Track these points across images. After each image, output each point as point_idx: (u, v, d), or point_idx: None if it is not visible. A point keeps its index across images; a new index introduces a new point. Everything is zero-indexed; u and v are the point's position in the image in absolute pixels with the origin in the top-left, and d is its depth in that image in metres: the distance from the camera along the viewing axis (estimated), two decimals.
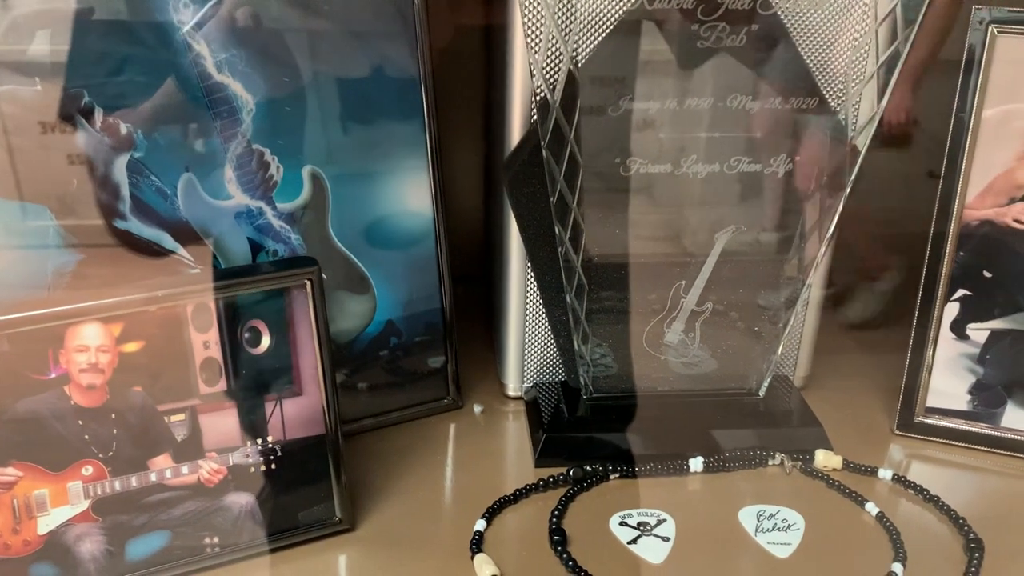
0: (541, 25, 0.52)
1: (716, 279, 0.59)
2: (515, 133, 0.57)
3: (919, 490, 0.58)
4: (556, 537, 0.52)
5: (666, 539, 0.53)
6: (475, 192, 0.80)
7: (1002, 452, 0.62)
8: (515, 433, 0.64)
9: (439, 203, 0.61)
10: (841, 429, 0.64)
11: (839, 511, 0.56)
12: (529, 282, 0.62)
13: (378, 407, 0.63)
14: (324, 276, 0.58)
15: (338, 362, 0.61)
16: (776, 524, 0.55)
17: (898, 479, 0.59)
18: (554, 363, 0.65)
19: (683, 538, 0.54)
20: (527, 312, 0.63)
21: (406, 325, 0.63)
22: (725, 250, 0.58)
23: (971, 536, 0.53)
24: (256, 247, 0.57)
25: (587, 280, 0.58)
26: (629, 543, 0.53)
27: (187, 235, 0.55)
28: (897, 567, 0.51)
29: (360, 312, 0.61)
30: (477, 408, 0.66)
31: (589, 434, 0.60)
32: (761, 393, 0.63)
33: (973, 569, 0.51)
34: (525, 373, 0.66)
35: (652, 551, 0.52)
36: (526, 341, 0.65)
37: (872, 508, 0.56)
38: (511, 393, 0.67)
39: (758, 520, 0.55)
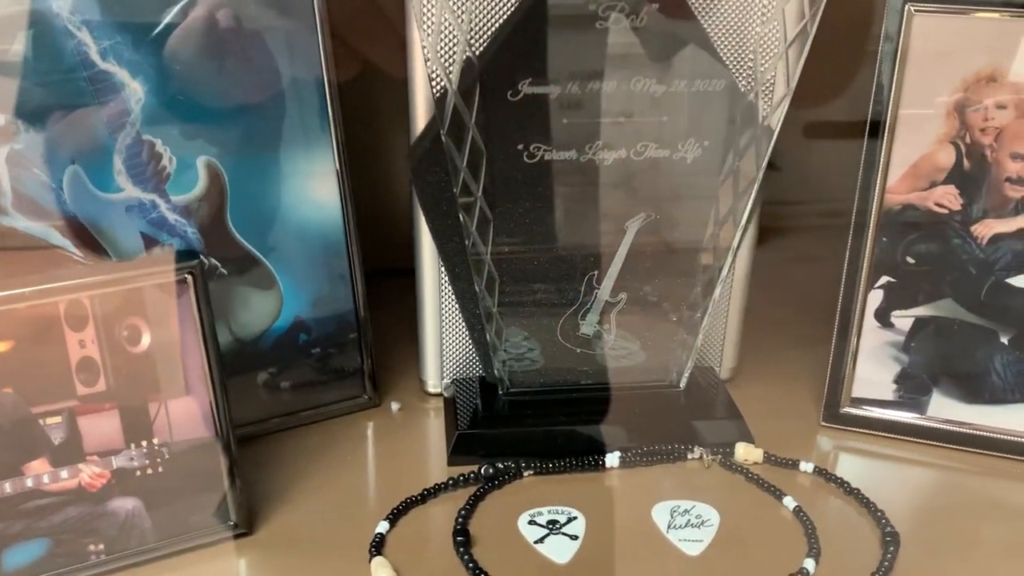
0: (433, 8, 0.50)
1: (630, 269, 0.57)
2: (420, 119, 0.56)
3: (840, 483, 0.56)
4: (459, 538, 0.51)
5: (574, 537, 0.52)
6: (406, 181, 0.78)
7: (928, 442, 0.60)
8: (433, 431, 0.62)
9: (346, 194, 0.59)
10: (768, 421, 0.62)
11: (756, 506, 0.55)
12: (443, 274, 0.60)
13: (288, 406, 0.61)
14: (224, 271, 0.57)
15: (243, 360, 0.59)
16: (690, 520, 0.53)
17: (819, 472, 0.57)
18: (474, 358, 0.63)
19: (592, 536, 0.52)
20: (443, 305, 0.61)
21: (316, 322, 0.61)
22: (638, 239, 0.56)
23: (888, 529, 0.52)
24: (151, 241, 0.55)
25: (497, 272, 0.56)
26: (536, 542, 0.51)
27: (76, 230, 0.53)
28: (809, 563, 0.49)
29: (265, 308, 0.59)
30: (394, 406, 0.64)
31: (505, 430, 0.59)
32: (682, 385, 0.61)
33: (887, 563, 0.49)
34: (444, 369, 0.64)
35: (558, 550, 0.51)
36: (443, 335, 0.63)
37: (790, 502, 0.54)
38: (431, 390, 0.65)
39: (671, 516, 0.53)
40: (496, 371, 0.59)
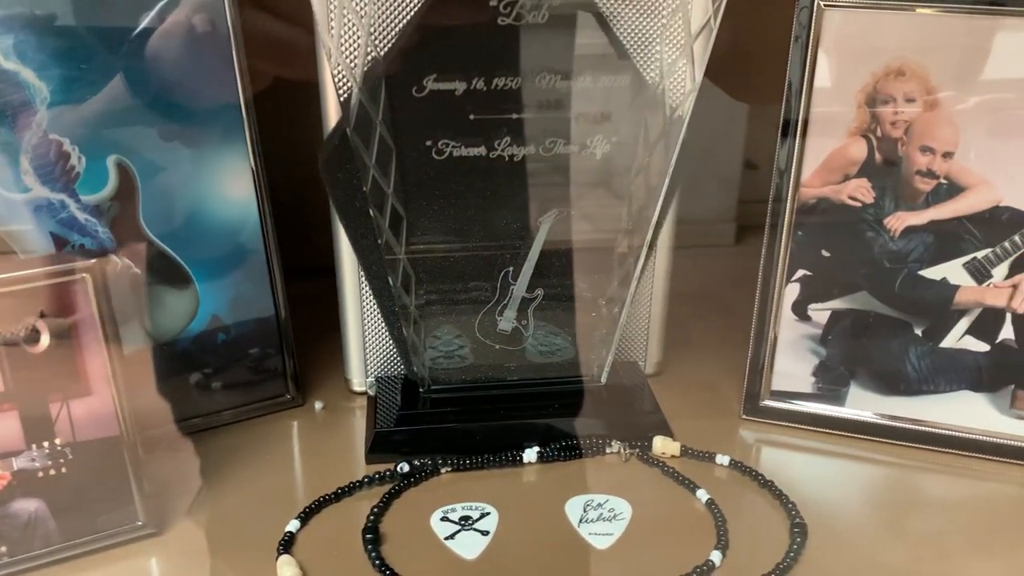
0: (336, 8, 0.50)
1: (546, 264, 0.57)
2: (332, 117, 0.55)
3: (754, 475, 0.56)
4: (368, 536, 0.51)
5: (485, 533, 0.52)
6: None
7: (847, 434, 0.61)
8: (356, 430, 0.62)
9: (262, 192, 0.59)
10: (690, 415, 0.63)
11: (670, 499, 0.55)
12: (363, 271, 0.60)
13: (209, 406, 0.61)
14: (137, 271, 0.57)
15: (161, 360, 0.58)
16: (602, 514, 0.53)
17: (735, 464, 0.57)
18: (397, 356, 0.63)
19: (504, 531, 0.52)
20: (364, 303, 0.61)
21: (235, 321, 0.61)
22: (553, 235, 0.56)
23: (796, 520, 0.52)
24: (61, 242, 0.55)
25: (413, 270, 0.56)
26: (446, 539, 0.51)
27: None
28: (716, 555, 0.49)
29: (181, 308, 0.59)
30: (318, 405, 0.64)
31: (423, 428, 0.59)
32: (603, 380, 0.61)
33: (792, 554, 0.49)
34: (368, 367, 0.64)
35: (468, 546, 0.51)
36: (366, 333, 0.63)
37: (703, 495, 0.54)
38: (356, 388, 0.65)
39: (584, 510, 0.53)
40: (416, 369, 0.59)
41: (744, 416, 0.63)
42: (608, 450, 0.58)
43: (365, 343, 0.63)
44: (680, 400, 0.65)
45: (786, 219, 0.59)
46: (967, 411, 0.59)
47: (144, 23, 0.53)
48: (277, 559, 0.49)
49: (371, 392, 0.64)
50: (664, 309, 0.65)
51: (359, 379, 0.64)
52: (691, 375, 0.68)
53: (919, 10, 0.55)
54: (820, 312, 0.60)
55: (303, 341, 0.66)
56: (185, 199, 0.57)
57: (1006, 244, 0.56)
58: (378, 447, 0.58)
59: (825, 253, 0.59)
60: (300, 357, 0.66)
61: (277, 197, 0.60)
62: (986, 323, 0.58)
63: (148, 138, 0.55)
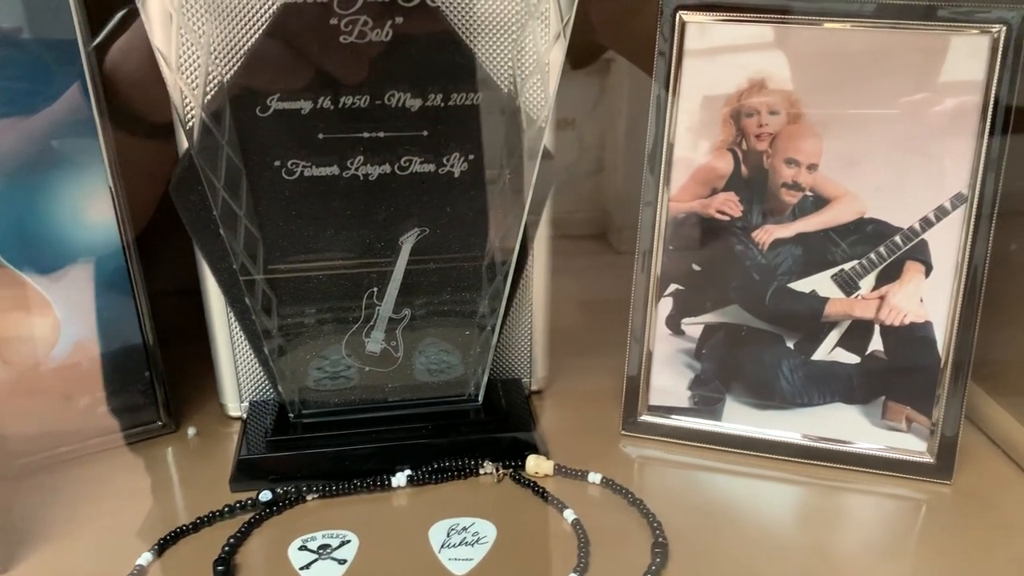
0: (175, 30, 0.48)
1: (413, 284, 0.56)
2: (184, 139, 0.54)
3: (624, 493, 0.56)
4: (220, 568, 0.49)
5: (343, 562, 0.50)
6: None
7: (723, 448, 0.60)
8: (228, 456, 0.60)
9: (122, 213, 0.57)
10: (571, 431, 0.62)
11: (537, 520, 0.54)
12: None
13: (76, 435, 0.59)
14: None
15: (25, 388, 0.57)
16: (465, 539, 0.52)
17: (607, 483, 0.57)
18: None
19: (362, 560, 0.51)
20: (232, 325, 0.60)
21: (100, 346, 0.59)
22: (416, 252, 0.55)
23: (659, 540, 0.51)
24: None
25: (273, 292, 0.55)
26: (301, 568, 0.50)
27: None
28: None
29: (41, 334, 0.57)
30: (191, 431, 0.63)
31: (290, 454, 0.57)
32: (480, 399, 0.61)
33: (650, 574, 0.49)
34: (243, 391, 0.63)
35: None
36: (237, 356, 0.61)
37: (570, 515, 0.54)
38: (231, 413, 0.64)
39: (447, 535, 0.52)
40: (283, 394, 0.58)
41: (623, 432, 0.62)
42: (481, 471, 0.58)
43: (237, 366, 0.61)
44: (562, 416, 0.64)
45: (657, 233, 0.59)
46: (840, 423, 0.59)
47: None
48: None
49: (245, 416, 0.62)
50: (546, 323, 0.65)
51: (234, 403, 0.63)
52: (576, 390, 0.67)
53: (779, 22, 0.54)
54: (694, 326, 0.60)
55: (181, 364, 0.65)
56: (41, 223, 0.55)
57: (872, 256, 0.56)
58: (242, 475, 0.56)
59: (696, 267, 0.59)
60: (178, 381, 0.64)
61: (143, 218, 0.59)
62: (856, 335, 0.57)
63: None
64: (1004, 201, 0.53)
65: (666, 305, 0.60)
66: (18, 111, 0.53)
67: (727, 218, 0.58)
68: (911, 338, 0.56)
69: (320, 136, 0.51)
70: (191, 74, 0.49)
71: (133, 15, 0.52)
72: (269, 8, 0.49)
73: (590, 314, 0.77)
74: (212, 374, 0.66)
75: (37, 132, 0.54)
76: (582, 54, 0.86)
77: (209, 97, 0.50)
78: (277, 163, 0.51)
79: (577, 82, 0.88)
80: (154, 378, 0.61)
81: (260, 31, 0.49)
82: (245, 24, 0.49)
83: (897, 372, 0.57)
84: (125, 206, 0.57)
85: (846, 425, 0.58)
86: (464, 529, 0.53)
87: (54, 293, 0.57)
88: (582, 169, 0.94)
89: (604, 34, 0.70)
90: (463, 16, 0.51)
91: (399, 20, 0.48)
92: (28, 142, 0.54)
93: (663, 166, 0.57)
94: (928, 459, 0.57)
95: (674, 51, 0.56)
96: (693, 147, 0.57)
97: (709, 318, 0.60)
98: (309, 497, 0.56)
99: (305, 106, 0.50)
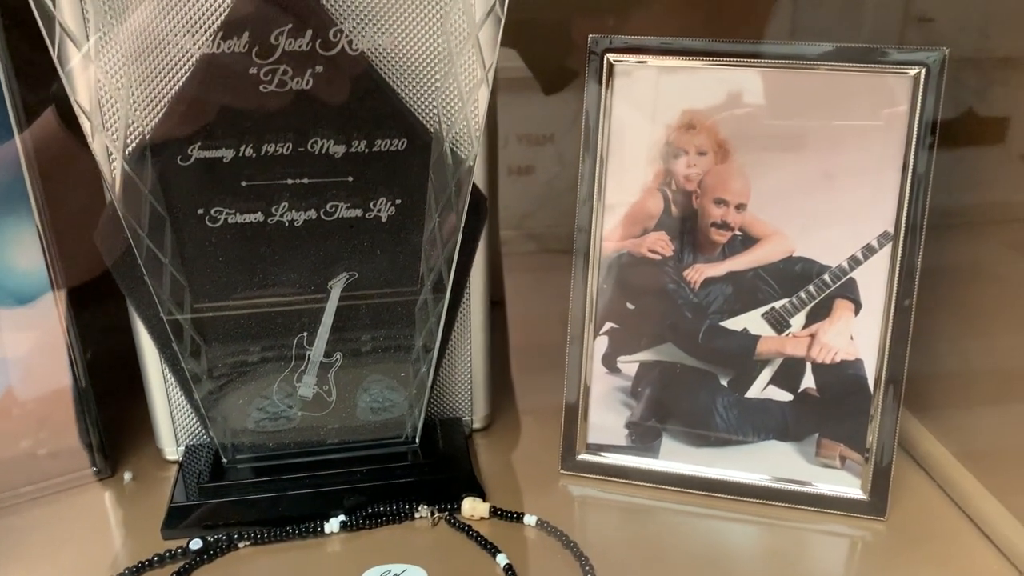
0: (95, 82, 0.48)
1: (344, 327, 0.56)
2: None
3: (559, 535, 0.55)
4: None
5: None
6: None
7: (660, 486, 0.60)
8: (164, 502, 0.60)
9: (52, 259, 0.57)
10: (510, 471, 0.62)
11: (470, 565, 0.54)
12: None
13: (7, 483, 0.59)
14: None
15: None
16: None
17: (542, 524, 0.56)
18: None
19: None
20: (166, 367, 0.59)
21: (32, 393, 0.58)
22: (346, 297, 0.55)
23: None
24: None
25: (201, 338, 0.55)
26: None
27: None
28: None
29: None
30: (127, 476, 0.62)
31: (223, 500, 0.57)
32: (417, 440, 0.60)
33: None
34: (179, 434, 0.62)
35: None
36: (172, 399, 0.61)
37: (503, 559, 0.53)
38: (168, 457, 0.63)
39: None
40: (215, 439, 0.58)
41: (562, 471, 0.62)
42: (417, 515, 0.57)
43: (172, 409, 0.61)
44: (503, 455, 0.64)
45: (591, 272, 0.59)
46: (776, 460, 0.59)
47: None
48: None
49: (182, 460, 0.62)
50: (486, 361, 0.65)
51: (170, 447, 0.62)
52: (518, 428, 0.67)
53: (703, 64, 0.55)
54: (629, 364, 0.60)
55: (118, 405, 0.64)
56: None
57: (802, 294, 0.56)
58: (174, 522, 0.56)
59: (630, 306, 0.59)
60: (116, 423, 0.64)
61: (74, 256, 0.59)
62: (788, 372, 0.58)
63: None
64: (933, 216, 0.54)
65: (602, 343, 0.60)
66: None
67: (659, 257, 0.58)
68: (842, 375, 0.57)
69: (243, 183, 0.51)
70: (112, 125, 0.49)
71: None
72: (189, 58, 0.49)
73: (533, 348, 0.77)
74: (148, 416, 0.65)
75: None
76: (555, 79, 0.86)
77: (131, 148, 0.50)
78: (200, 211, 0.51)
79: (556, 98, 0.88)
80: (88, 422, 0.61)
81: (180, 81, 0.49)
82: (165, 74, 0.49)
83: (830, 409, 0.57)
84: (55, 251, 0.57)
85: (781, 462, 0.58)
86: None
87: None
88: (562, 184, 0.95)
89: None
90: (386, 61, 0.52)
91: (319, 68, 0.48)
92: None
93: (595, 206, 0.58)
94: (862, 496, 0.57)
95: (603, 93, 0.56)
96: (624, 188, 0.57)
97: (644, 356, 0.60)
98: (241, 544, 0.55)
99: (227, 154, 0.50)
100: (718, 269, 0.57)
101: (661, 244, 0.58)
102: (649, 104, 0.56)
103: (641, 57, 0.56)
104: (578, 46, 0.83)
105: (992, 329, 0.59)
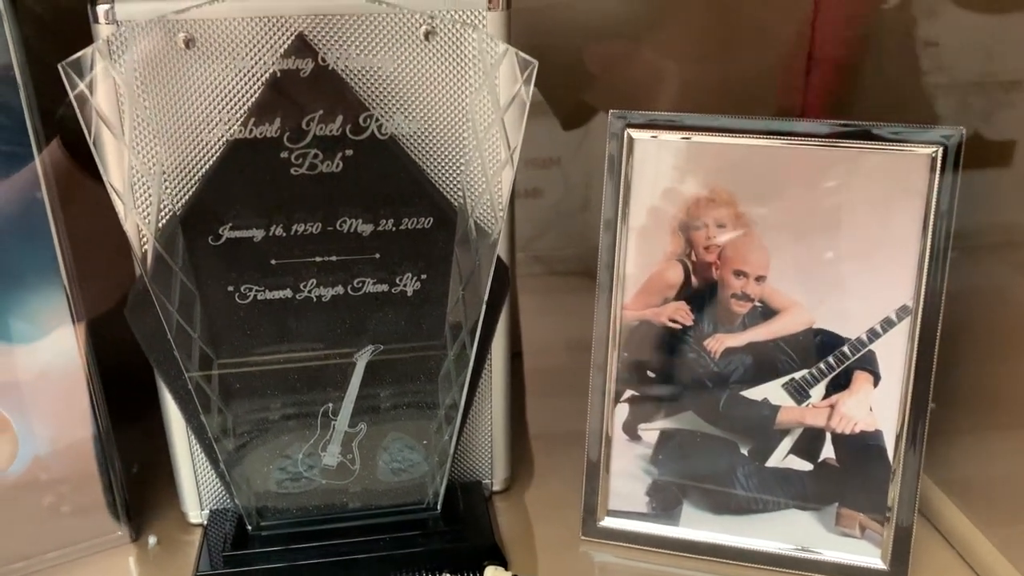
0: (127, 162, 0.49)
1: (369, 396, 0.57)
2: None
3: None
4: None
5: None
6: None
7: (681, 554, 0.60)
8: (188, 567, 0.60)
9: (77, 320, 0.58)
10: (531, 536, 0.63)
11: None
12: None
13: (32, 548, 0.59)
14: None
15: None
16: None
17: None
18: None
19: None
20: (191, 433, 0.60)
21: (56, 459, 0.59)
22: (373, 368, 0.56)
23: None
24: None
25: (228, 409, 0.56)
26: None
27: None
28: None
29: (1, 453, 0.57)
30: (151, 540, 0.63)
31: (247, 568, 0.57)
32: (438, 507, 0.61)
33: None
34: (203, 498, 0.63)
35: None
36: (196, 463, 0.61)
37: None
38: (193, 521, 0.64)
39: None
40: (239, 505, 0.58)
41: (583, 537, 0.62)
42: None
43: (196, 473, 0.62)
44: (523, 520, 0.64)
45: (611, 341, 0.59)
46: (795, 529, 0.59)
47: None
48: None
49: (206, 524, 0.62)
50: (506, 424, 0.65)
51: (195, 511, 0.63)
52: (539, 492, 0.68)
53: (725, 139, 0.56)
54: (649, 432, 0.60)
55: (142, 469, 0.65)
56: None
57: (821, 366, 0.57)
58: None
59: (650, 374, 0.60)
60: (138, 487, 0.65)
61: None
62: (808, 442, 0.58)
63: None
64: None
65: (623, 411, 0.60)
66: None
67: (679, 327, 0.59)
68: (862, 446, 0.57)
69: (272, 262, 0.52)
70: (144, 204, 0.50)
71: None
72: (221, 139, 0.50)
73: (574, 356, 0.76)
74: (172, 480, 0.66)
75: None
76: (573, 116, 0.88)
77: (161, 226, 0.51)
78: (231, 288, 0.52)
79: None
80: (113, 487, 0.61)
81: (211, 163, 0.50)
82: (197, 156, 0.50)
83: (849, 479, 0.58)
84: (80, 311, 0.57)
85: (801, 531, 0.59)
86: None
87: (12, 409, 0.57)
88: (568, 207, 0.96)
89: None
90: (413, 143, 0.53)
91: (349, 152, 0.49)
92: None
93: (615, 276, 0.58)
94: (882, 565, 0.58)
95: (623, 167, 0.57)
96: (644, 258, 0.58)
97: (665, 424, 0.60)
98: None
99: (257, 234, 0.51)
100: (738, 339, 0.58)
101: (681, 314, 0.58)
102: (668, 178, 0.57)
103: (661, 132, 0.56)
104: (594, 76, 0.84)
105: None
